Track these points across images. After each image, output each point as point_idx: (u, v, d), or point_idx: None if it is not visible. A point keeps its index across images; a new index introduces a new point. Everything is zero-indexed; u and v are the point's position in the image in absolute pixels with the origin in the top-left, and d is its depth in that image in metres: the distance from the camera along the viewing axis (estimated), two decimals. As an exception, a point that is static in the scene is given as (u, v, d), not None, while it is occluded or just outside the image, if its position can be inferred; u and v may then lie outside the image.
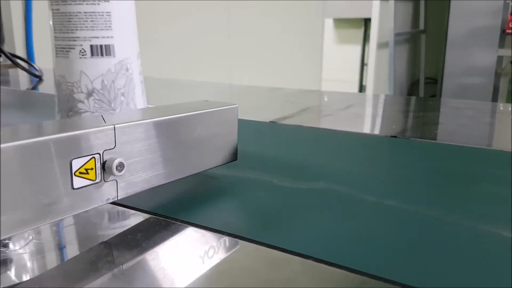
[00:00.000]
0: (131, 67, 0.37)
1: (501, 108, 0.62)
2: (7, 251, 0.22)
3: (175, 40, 1.65)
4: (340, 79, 2.82)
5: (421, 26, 2.61)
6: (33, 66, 0.91)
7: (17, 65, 0.85)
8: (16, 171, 0.18)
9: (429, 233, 0.23)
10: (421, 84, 2.66)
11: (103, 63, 0.35)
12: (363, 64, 2.87)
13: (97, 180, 0.21)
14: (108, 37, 0.35)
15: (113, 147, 0.22)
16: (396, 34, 2.30)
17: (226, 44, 1.78)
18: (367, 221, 0.24)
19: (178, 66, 1.66)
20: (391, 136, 0.43)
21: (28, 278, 0.20)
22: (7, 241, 0.23)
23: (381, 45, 2.41)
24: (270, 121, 0.48)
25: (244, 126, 0.37)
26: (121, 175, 0.22)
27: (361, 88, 2.88)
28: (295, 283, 0.19)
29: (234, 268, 0.21)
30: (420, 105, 0.68)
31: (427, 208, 0.26)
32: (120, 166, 0.22)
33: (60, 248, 0.23)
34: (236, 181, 0.30)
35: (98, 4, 0.34)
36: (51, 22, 0.36)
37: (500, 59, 2.21)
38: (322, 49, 2.46)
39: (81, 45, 0.35)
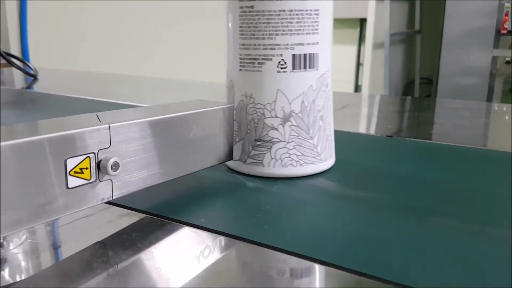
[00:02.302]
0: (329, 82, 0.30)
1: (496, 109, 0.62)
2: (2, 251, 0.22)
3: (174, 40, 1.64)
4: (335, 79, 2.81)
5: (417, 26, 2.62)
6: (28, 65, 0.90)
7: (12, 64, 0.85)
8: (11, 170, 0.18)
9: (426, 233, 0.23)
10: (416, 84, 2.67)
11: (304, 78, 0.28)
12: (358, 64, 2.87)
13: (92, 180, 0.21)
14: (313, 43, 0.27)
15: (108, 146, 0.22)
16: (392, 34, 2.31)
17: (224, 44, 1.77)
18: (363, 221, 0.24)
19: (177, 66, 1.66)
20: (387, 136, 0.43)
21: (22, 278, 0.20)
22: (1, 241, 0.22)
23: (377, 45, 2.41)
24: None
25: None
26: (116, 175, 0.22)
27: (357, 88, 2.89)
28: (293, 283, 0.19)
29: (229, 268, 0.21)
30: (415, 105, 0.68)
31: (424, 207, 0.26)
32: (115, 166, 0.22)
33: (55, 248, 0.23)
34: (232, 180, 0.30)
35: None
36: (230, 25, 0.29)
37: (495, 59, 2.22)
38: (318, 49, 2.46)
39: (281, 54, 0.27)
